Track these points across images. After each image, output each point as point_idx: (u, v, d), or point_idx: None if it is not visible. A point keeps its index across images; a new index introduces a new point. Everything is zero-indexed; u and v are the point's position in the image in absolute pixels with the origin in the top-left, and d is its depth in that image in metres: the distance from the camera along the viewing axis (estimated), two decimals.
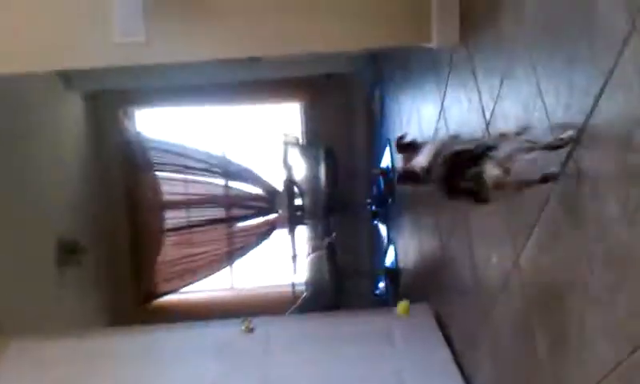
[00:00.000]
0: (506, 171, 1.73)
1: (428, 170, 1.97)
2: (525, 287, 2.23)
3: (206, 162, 5.85)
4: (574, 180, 1.79)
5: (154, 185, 5.78)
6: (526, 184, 1.87)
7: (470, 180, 1.81)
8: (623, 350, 1.56)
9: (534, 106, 2.06)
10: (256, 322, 3.65)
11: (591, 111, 1.66)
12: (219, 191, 5.94)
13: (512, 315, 2.39)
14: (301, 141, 5.64)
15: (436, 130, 3.40)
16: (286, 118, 6.25)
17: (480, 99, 2.62)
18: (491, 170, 1.73)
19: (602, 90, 1.59)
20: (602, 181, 1.62)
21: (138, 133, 5.94)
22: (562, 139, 1.74)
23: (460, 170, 1.84)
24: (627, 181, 1.49)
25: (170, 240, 5.99)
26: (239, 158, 6.03)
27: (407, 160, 2.11)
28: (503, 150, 1.76)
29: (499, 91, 2.39)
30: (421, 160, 2.01)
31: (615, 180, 1.55)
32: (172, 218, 5.92)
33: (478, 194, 1.82)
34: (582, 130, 1.73)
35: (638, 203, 1.45)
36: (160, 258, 6.07)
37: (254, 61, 5.21)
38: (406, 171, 2.13)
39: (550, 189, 1.95)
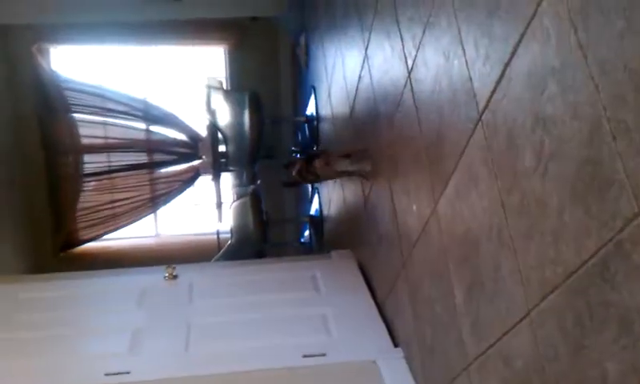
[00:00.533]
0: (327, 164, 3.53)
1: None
2: (442, 234, 2.28)
3: (127, 105, 5.68)
4: (490, 129, 1.81)
5: (72, 127, 5.57)
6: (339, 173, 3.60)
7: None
8: (534, 296, 1.61)
9: (454, 55, 2.07)
10: (179, 269, 3.62)
11: (509, 61, 1.68)
12: (140, 135, 5.79)
13: (430, 262, 2.44)
14: (225, 85, 5.53)
15: (360, 77, 3.39)
16: (210, 61, 6.11)
17: (403, 47, 2.62)
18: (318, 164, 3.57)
19: (520, 40, 1.61)
20: (517, 131, 1.65)
21: (54, 72, 5.68)
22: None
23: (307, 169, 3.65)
24: (541, 131, 1.52)
25: (89, 185, 5.83)
26: (161, 101, 5.88)
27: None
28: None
29: (421, 39, 2.39)
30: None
31: (530, 130, 1.58)
32: (91, 162, 5.75)
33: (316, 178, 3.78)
34: (498, 81, 1.75)
35: (551, 153, 1.49)
36: (80, 204, 5.91)
37: None
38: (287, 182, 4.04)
39: (468, 139, 1.97)
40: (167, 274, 3.58)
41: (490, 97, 1.80)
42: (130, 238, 6.38)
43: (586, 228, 1.37)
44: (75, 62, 5.98)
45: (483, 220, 1.91)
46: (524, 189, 1.64)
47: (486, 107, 1.84)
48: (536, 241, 1.59)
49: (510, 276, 1.76)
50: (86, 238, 6.09)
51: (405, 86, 2.61)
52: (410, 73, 2.54)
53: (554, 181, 1.49)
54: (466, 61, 1.97)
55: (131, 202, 6.06)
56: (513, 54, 1.66)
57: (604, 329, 1.32)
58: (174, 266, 3.60)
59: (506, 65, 1.70)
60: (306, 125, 5.14)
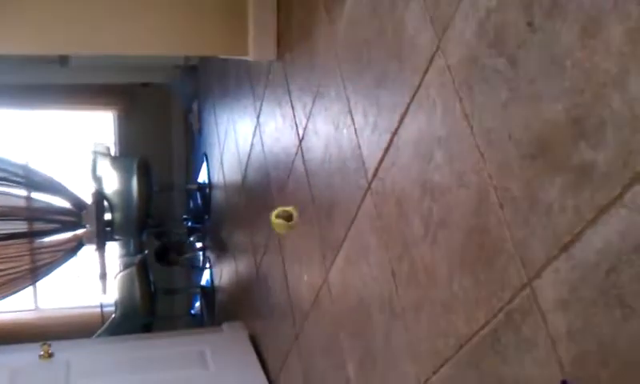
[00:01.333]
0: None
1: None
2: (334, 304, 2.22)
3: (6, 171, 5.34)
4: (379, 197, 1.79)
5: None
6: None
7: None
8: (426, 369, 1.57)
9: (343, 123, 2.06)
10: (56, 346, 3.36)
11: (396, 130, 1.67)
12: (20, 203, 5.45)
13: (322, 333, 2.36)
14: (113, 151, 5.34)
15: (252, 145, 3.34)
16: (98, 126, 5.91)
17: (294, 116, 2.60)
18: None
19: (406, 110, 1.61)
20: (406, 199, 1.63)
21: None
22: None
23: None
24: (429, 199, 1.51)
25: None
26: (44, 167, 5.58)
27: None
28: None
29: (312, 108, 2.38)
30: None
31: (418, 198, 1.56)
32: None
33: None
34: (387, 149, 1.74)
35: (440, 221, 1.47)
36: None
37: (63, 63, 4.88)
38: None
39: (358, 207, 1.95)
40: (42, 353, 3.30)
41: (379, 165, 1.79)
42: (8, 312, 5.93)
43: (476, 298, 1.35)
44: None
45: (374, 290, 1.87)
46: (413, 257, 1.61)
47: (374, 175, 1.82)
48: (426, 311, 1.56)
49: (401, 348, 1.71)
50: None
51: (296, 154, 2.58)
52: (301, 141, 2.52)
53: (442, 249, 1.47)
54: (355, 129, 1.96)
55: (9, 274, 5.65)
56: (400, 122, 1.66)
57: None
58: (49, 343, 3.33)
59: (394, 133, 1.70)
60: (198, 192, 5.02)
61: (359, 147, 1.93)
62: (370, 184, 1.85)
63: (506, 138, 1.24)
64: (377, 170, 1.80)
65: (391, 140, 1.70)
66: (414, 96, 1.56)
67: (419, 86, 1.54)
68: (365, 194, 1.89)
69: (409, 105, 1.59)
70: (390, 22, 1.70)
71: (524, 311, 1.20)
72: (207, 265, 4.90)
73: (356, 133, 1.95)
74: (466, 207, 1.37)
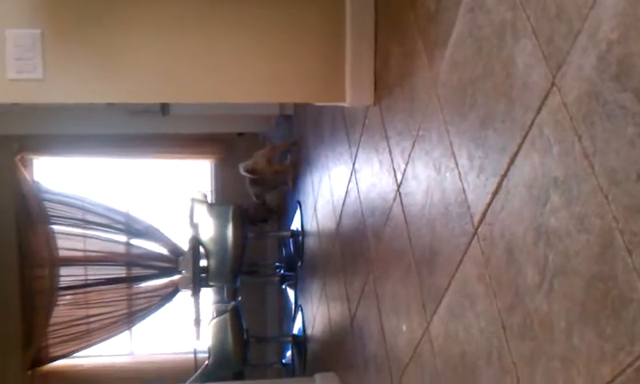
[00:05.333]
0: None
1: None
2: (436, 357, 2.12)
3: (108, 218, 5.56)
4: (487, 243, 1.71)
5: (49, 239, 5.42)
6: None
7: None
8: None
9: (446, 167, 2.00)
10: None
11: (506, 172, 1.60)
12: (120, 249, 5.64)
13: None
14: (209, 199, 5.46)
15: (347, 191, 3.31)
16: (196, 174, 6.07)
17: (392, 160, 2.55)
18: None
19: (517, 150, 1.53)
20: (517, 245, 1.54)
21: (36, 182, 5.59)
22: None
23: None
24: (545, 245, 1.42)
25: (64, 299, 5.60)
26: (143, 214, 5.77)
27: None
28: None
29: (411, 153, 2.33)
30: None
31: (532, 244, 1.47)
32: (68, 275, 5.56)
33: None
34: (495, 193, 1.66)
35: (557, 269, 1.37)
36: (52, 319, 5.66)
37: (164, 113, 5.06)
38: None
39: (463, 254, 1.86)
40: None
41: (486, 209, 1.71)
42: (103, 355, 6.09)
43: (600, 352, 1.24)
44: (58, 173, 5.91)
45: (481, 342, 1.77)
46: (527, 308, 1.51)
47: (481, 220, 1.74)
48: (542, 366, 1.45)
49: None
50: (56, 354, 5.80)
51: (394, 199, 2.52)
52: (399, 186, 2.47)
53: (560, 299, 1.37)
54: (459, 173, 1.89)
55: (106, 318, 5.83)
56: (510, 164, 1.58)
57: None
58: None
59: (503, 176, 1.62)
60: (291, 240, 5.03)
61: (464, 191, 1.85)
62: (476, 230, 1.77)
63: (634, 178, 1.14)
64: (484, 214, 1.72)
65: (500, 183, 1.62)
66: (525, 136, 1.49)
67: (531, 124, 1.46)
68: (471, 241, 1.81)
69: (520, 145, 1.51)
70: (498, 61, 1.64)
71: None
72: (299, 311, 4.87)
73: (460, 177, 1.88)
74: (588, 253, 1.27)
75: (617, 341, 1.19)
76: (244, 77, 2.69)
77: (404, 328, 2.45)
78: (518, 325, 1.56)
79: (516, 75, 1.54)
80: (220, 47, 2.64)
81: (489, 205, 1.69)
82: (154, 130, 5.62)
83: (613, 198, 1.20)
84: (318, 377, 3.61)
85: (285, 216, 5.53)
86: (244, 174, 4.90)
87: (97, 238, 5.57)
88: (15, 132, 5.39)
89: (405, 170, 2.40)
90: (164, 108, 5.07)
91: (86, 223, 5.52)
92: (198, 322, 4.88)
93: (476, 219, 1.77)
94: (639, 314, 1.13)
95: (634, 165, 1.14)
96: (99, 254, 5.60)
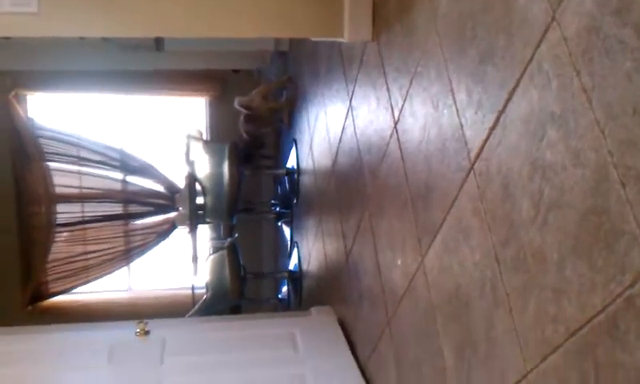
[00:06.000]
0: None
1: None
2: (430, 290, 2.17)
3: (104, 155, 5.55)
4: (483, 178, 1.73)
5: (45, 176, 5.42)
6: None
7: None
8: (533, 357, 1.50)
9: (444, 104, 2.00)
10: (152, 324, 3.45)
11: (504, 108, 1.61)
12: (116, 186, 5.65)
13: (417, 320, 2.32)
14: (205, 136, 5.45)
15: (343, 129, 3.32)
16: (191, 112, 6.04)
17: (389, 97, 2.55)
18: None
19: (516, 85, 1.54)
20: (513, 180, 1.57)
21: (30, 119, 5.56)
22: None
23: None
24: (540, 179, 1.44)
25: (61, 236, 5.65)
26: (139, 151, 5.76)
27: None
28: None
29: (409, 89, 2.33)
30: None
31: (527, 179, 1.49)
32: (65, 212, 5.58)
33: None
34: (493, 128, 1.67)
35: (552, 202, 1.40)
36: (51, 256, 5.71)
37: (158, 49, 5.01)
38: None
39: (459, 189, 1.89)
40: (139, 330, 3.40)
41: (483, 145, 1.73)
42: (102, 291, 6.17)
43: (592, 283, 1.28)
44: (52, 110, 5.87)
45: (475, 275, 1.81)
46: (521, 241, 1.54)
47: (478, 156, 1.76)
48: (534, 297, 1.49)
49: (504, 335, 1.65)
50: (55, 290, 5.87)
51: (391, 136, 2.53)
52: (396, 123, 2.47)
53: (554, 232, 1.40)
54: (457, 109, 1.90)
55: (104, 254, 5.88)
56: (508, 100, 1.59)
57: None
58: (145, 321, 3.43)
59: (501, 112, 1.63)
60: (286, 178, 5.05)
61: (461, 127, 1.87)
62: (472, 165, 1.79)
63: (630, 113, 1.16)
64: (481, 150, 1.74)
65: (498, 118, 1.64)
66: (524, 71, 1.49)
67: (531, 59, 1.46)
68: (467, 176, 1.83)
69: (519, 80, 1.52)
70: None
71: None
72: (294, 249, 4.93)
73: (458, 112, 1.89)
74: (583, 187, 1.29)
75: (608, 272, 1.23)
76: (239, 11, 2.67)
77: (399, 262, 2.50)
78: (511, 257, 1.59)
79: (516, 9, 1.54)
80: None
81: (486, 140, 1.71)
82: (148, 67, 5.57)
83: (609, 133, 1.22)
84: (314, 310, 3.68)
85: (280, 154, 5.54)
86: (238, 108, 4.88)
87: (93, 175, 5.58)
88: (8, 68, 5.33)
89: (402, 106, 2.40)
90: (158, 43, 5.01)
91: (81, 160, 5.52)
92: (195, 258, 4.94)
93: (473, 155, 1.79)
94: (631, 246, 1.16)
95: (630, 99, 1.16)
96: (95, 191, 5.61)
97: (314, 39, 3.08)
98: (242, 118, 4.99)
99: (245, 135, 5.06)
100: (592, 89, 1.26)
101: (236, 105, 4.92)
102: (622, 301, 1.19)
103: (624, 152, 1.18)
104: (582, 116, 1.29)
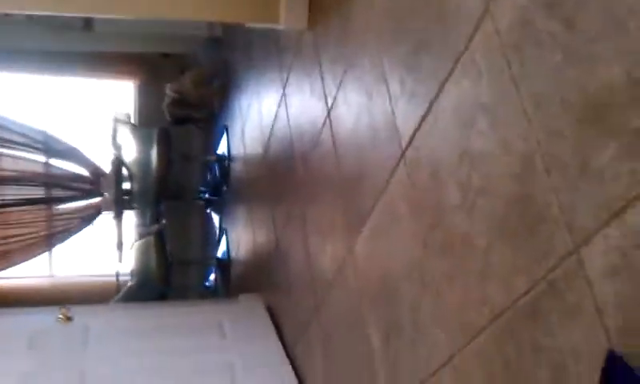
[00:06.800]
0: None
1: None
2: (359, 275, 2.20)
3: (26, 136, 5.35)
4: (413, 165, 1.77)
5: None
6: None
7: None
8: (458, 340, 1.55)
9: (377, 93, 2.03)
10: (75, 310, 3.36)
11: (436, 97, 1.65)
12: (39, 169, 5.46)
13: (345, 304, 2.35)
14: (133, 120, 5.34)
15: (276, 116, 3.32)
16: (118, 95, 5.90)
17: (323, 86, 2.57)
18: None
19: (448, 76, 1.58)
20: (442, 167, 1.61)
21: None
22: None
23: None
24: (469, 166, 1.48)
25: None
26: (63, 134, 5.59)
27: None
28: None
29: (343, 78, 2.35)
30: None
31: (456, 166, 1.54)
32: None
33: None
34: (424, 117, 1.71)
35: (479, 189, 1.44)
36: None
37: (87, 29, 4.86)
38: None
39: (389, 176, 1.92)
40: (61, 316, 3.31)
41: (414, 133, 1.76)
42: (23, 277, 5.96)
43: (516, 267, 1.33)
44: None
45: (403, 260, 1.85)
46: (448, 227, 1.59)
47: (409, 144, 1.80)
48: (460, 281, 1.54)
49: (431, 319, 1.69)
50: None
51: (324, 124, 2.55)
52: (329, 111, 2.49)
53: (480, 218, 1.45)
54: (390, 98, 1.93)
55: (25, 239, 5.67)
56: (440, 89, 1.63)
57: (536, 373, 1.27)
58: (68, 306, 3.34)
59: (433, 101, 1.67)
60: (217, 164, 5.01)
61: (393, 115, 1.90)
62: (403, 153, 1.83)
63: (558, 103, 1.21)
64: (412, 138, 1.77)
65: (430, 107, 1.67)
66: (457, 61, 1.53)
67: (464, 51, 1.50)
68: (397, 163, 1.87)
69: (452, 70, 1.56)
70: None
71: (569, 279, 1.18)
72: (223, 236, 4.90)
73: (391, 101, 1.92)
74: (509, 174, 1.34)
75: (532, 256, 1.28)
76: None
77: (328, 250, 2.52)
78: (438, 243, 1.63)
79: (450, 1, 1.57)
80: None
81: (417, 129, 1.75)
82: (76, 48, 5.39)
83: (536, 122, 1.26)
84: (242, 297, 3.67)
85: (210, 140, 5.49)
86: (170, 94, 4.80)
87: (14, 157, 5.37)
88: None
89: (336, 95, 2.42)
90: (88, 23, 4.87)
91: (2, 141, 5.31)
92: (120, 244, 4.84)
93: (404, 143, 1.83)
94: (554, 231, 1.21)
95: (559, 90, 1.20)
96: (16, 173, 5.41)
97: (248, 25, 3.06)
98: (168, 100, 4.91)
99: (168, 117, 4.99)
100: (521, 79, 1.30)
101: (167, 91, 4.84)
102: (545, 284, 1.24)
103: (550, 141, 1.23)
104: (511, 106, 1.33)
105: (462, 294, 1.53)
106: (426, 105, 1.70)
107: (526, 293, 1.29)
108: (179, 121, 4.99)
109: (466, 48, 1.50)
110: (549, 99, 1.22)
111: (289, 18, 2.70)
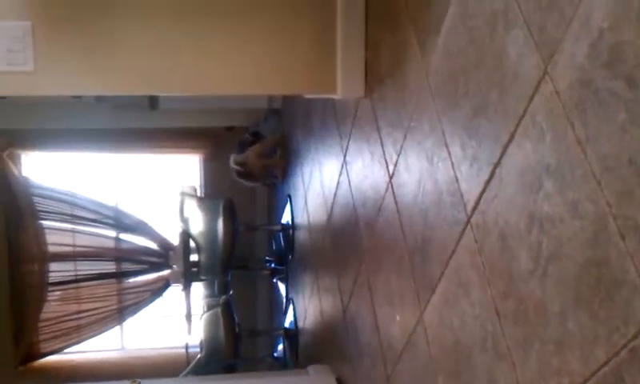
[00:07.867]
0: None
1: None
2: (430, 345, 2.14)
3: (97, 213, 5.54)
4: (480, 231, 1.73)
5: (39, 234, 5.39)
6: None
7: None
8: None
9: (439, 157, 2.02)
10: (145, 383, 3.40)
11: (499, 161, 1.62)
12: (110, 244, 5.62)
13: (417, 377, 2.29)
14: (199, 193, 5.46)
15: (338, 184, 3.33)
16: (185, 169, 6.06)
17: (383, 152, 2.57)
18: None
19: (510, 139, 1.55)
20: (511, 232, 1.56)
21: (24, 178, 5.56)
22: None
23: None
24: (538, 231, 1.44)
25: (54, 295, 5.58)
26: (133, 209, 5.76)
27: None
28: None
29: (403, 144, 2.34)
30: None
31: (525, 231, 1.49)
32: (58, 271, 5.54)
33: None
34: (488, 181, 1.68)
35: (550, 254, 1.39)
36: (43, 315, 5.64)
37: (153, 107, 5.05)
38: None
39: (456, 242, 1.88)
40: None
41: (480, 198, 1.73)
42: (94, 351, 6.08)
43: (594, 335, 1.26)
44: (47, 168, 5.88)
45: (475, 329, 1.79)
46: (521, 294, 1.53)
47: (475, 208, 1.76)
48: (536, 350, 1.47)
49: None
50: (47, 350, 5.78)
51: (386, 190, 2.54)
52: (391, 177, 2.48)
53: (554, 284, 1.39)
54: (452, 162, 1.91)
55: (97, 313, 5.82)
56: (503, 153, 1.60)
57: None
58: (139, 380, 3.37)
59: (496, 165, 1.64)
60: (281, 233, 5.04)
61: (457, 180, 1.87)
62: (469, 218, 1.79)
63: (626, 164, 1.17)
64: (477, 202, 1.74)
65: (493, 171, 1.64)
66: (518, 124, 1.51)
67: (524, 113, 1.48)
68: (464, 229, 1.83)
69: (513, 134, 1.53)
70: (490, 51, 1.65)
71: None
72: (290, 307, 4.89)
73: (453, 166, 1.90)
74: (581, 238, 1.29)
75: (610, 323, 1.21)
76: (233, 68, 2.69)
77: (398, 318, 2.47)
78: (512, 311, 1.58)
79: (508, 64, 1.56)
80: (209, 38, 2.64)
81: (482, 193, 1.71)
82: (142, 125, 5.60)
83: (605, 184, 1.22)
84: (311, 369, 3.62)
85: (275, 210, 5.54)
86: (234, 166, 4.90)
87: (86, 233, 5.55)
88: (2, 127, 5.35)
89: (397, 160, 2.41)
90: (152, 102, 5.06)
91: (75, 218, 5.50)
92: (189, 316, 4.89)
93: (469, 207, 1.79)
94: (632, 297, 1.15)
95: (625, 150, 1.16)
96: (89, 249, 5.58)
97: (307, 96, 3.11)
98: (234, 174, 5.02)
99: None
100: (586, 141, 1.27)
101: (231, 163, 4.94)
102: (626, 352, 1.18)
103: (621, 202, 1.18)
104: (578, 168, 1.29)
105: (539, 364, 1.47)
106: (490, 168, 1.67)
107: (606, 362, 1.22)
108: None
109: (526, 110, 1.47)
110: (616, 160, 1.18)
111: (346, 88, 2.73)
